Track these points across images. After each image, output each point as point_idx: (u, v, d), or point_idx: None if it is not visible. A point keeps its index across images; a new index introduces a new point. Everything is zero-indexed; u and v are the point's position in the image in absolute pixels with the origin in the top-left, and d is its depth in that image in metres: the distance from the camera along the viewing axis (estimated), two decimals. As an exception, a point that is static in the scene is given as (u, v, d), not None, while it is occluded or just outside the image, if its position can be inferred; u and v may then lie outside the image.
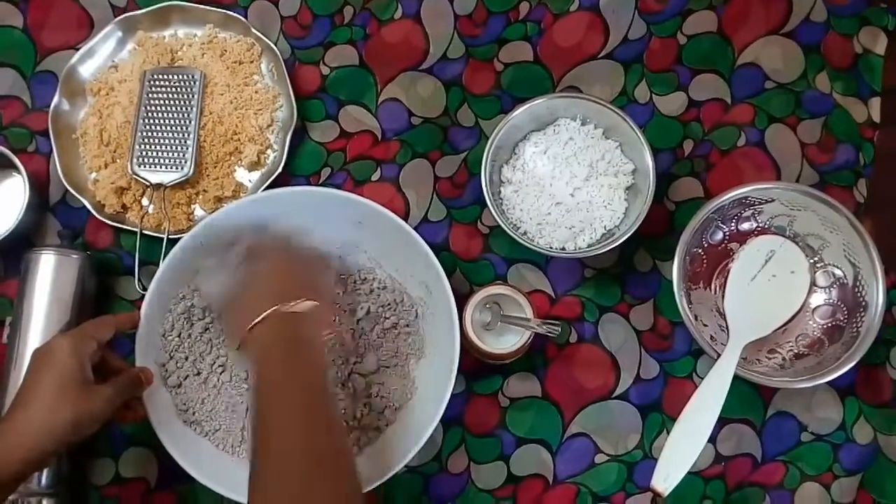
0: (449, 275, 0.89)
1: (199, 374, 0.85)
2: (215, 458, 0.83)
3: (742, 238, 0.89)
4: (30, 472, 0.69)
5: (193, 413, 0.84)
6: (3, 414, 0.77)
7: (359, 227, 0.86)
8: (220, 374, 0.85)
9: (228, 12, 0.95)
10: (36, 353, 0.73)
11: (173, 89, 0.92)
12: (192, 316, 0.85)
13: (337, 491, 0.63)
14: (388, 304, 0.88)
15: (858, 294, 0.85)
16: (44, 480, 0.82)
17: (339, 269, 0.88)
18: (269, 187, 0.91)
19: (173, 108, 0.91)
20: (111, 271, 0.92)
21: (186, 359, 0.85)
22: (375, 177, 0.94)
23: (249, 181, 0.93)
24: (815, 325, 0.87)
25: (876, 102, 0.95)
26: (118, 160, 0.92)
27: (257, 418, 0.67)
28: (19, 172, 0.89)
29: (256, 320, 0.71)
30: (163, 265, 0.83)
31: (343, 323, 0.87)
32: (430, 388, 0.84)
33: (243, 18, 0.94)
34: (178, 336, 0.85)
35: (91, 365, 0.73)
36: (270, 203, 0.85)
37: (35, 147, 0.94)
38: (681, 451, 0.79)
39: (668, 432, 0.82)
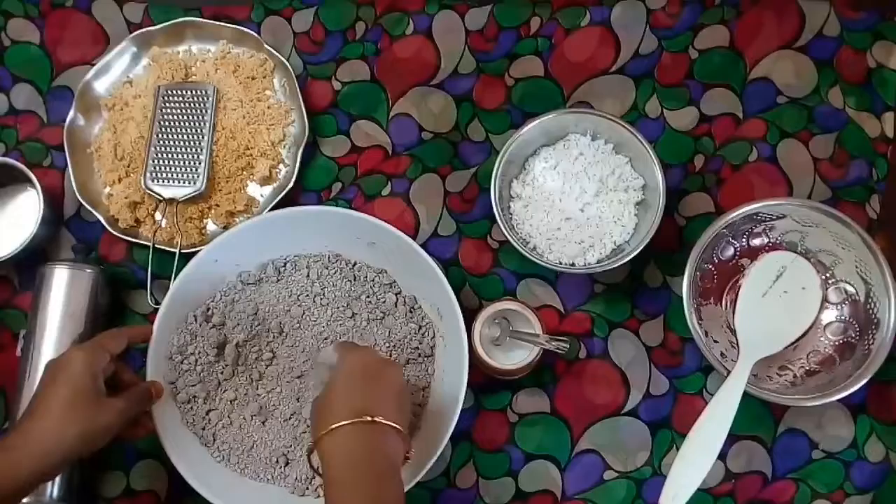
0: (458, 290, 0.90)
1: (207, 394, 0.85)
2: (223, 475, 0.84)
3: (753, 254, 0.89)
4: (39, 483, 0.70)
5: (203, 429, 0.85)
6: (15, 424, 0.77)
7: (372, 248, 0.87)
8: (228, 392, 0.86)
9: (242, 28, 0.95)
10: (50, 364, 0.74)
11: (187, 104, 0.93)
12: (202, 338, 0.86)
13: None
14: (412, 333, 0.88)
15: (870, 311, 0.84)
16: (55, 492, 0.83)
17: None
18: (280, 202, 0.91)
19: (186, 123, 0.92)
20: (124, 285, 0.93)
21: (195, 377, 0.85)
22: (386, 192, 0.94)
23: (261, 196, 0.94)
24: (826, 342, 0.87)
25: (889, 117, 0.94)
26: (132, 175, 0.93)
27: None
28: (34, 187, 0.90)
29: (338, 424, 0.67)
30: (176, 281, 0.84)
31: None
32: (440, 406, 0.85)
33: (256, 34, 0.95)
34: (188, 357, 0.85)
35: (104, 377, 0.74)
36: (283, 222, 0.86)
37: (50, 162, 0.96)
38: (690, 469, 0.78)
39: (677, 449, 0.82)
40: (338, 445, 0.67)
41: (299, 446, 0.85)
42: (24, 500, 0.80)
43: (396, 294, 0.89)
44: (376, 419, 0.68)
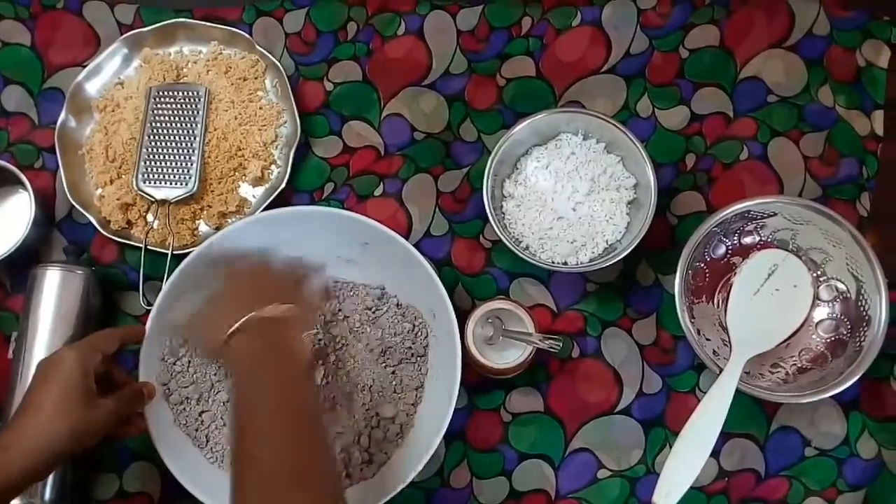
0: (451, 289, 0.90)
1: (200, 395, 0.85)
2: (216, 475, 0.84)
3: (745, 252, 0.89)
4: (31, 482, 0.70)
5: (196, 430, 0.85)
6: (7, 423, 0.77)
7: (365, 249, 0.87)
8: (221, 394, 0.86)
9: (233, 29, 0.96)
10: (42, 363, 0.74)
11: (178, 105, 0.93)
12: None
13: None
14: (405, 332, 0.88)
15: (861, 308, 0.84)
16: (48, 494, 0.83)
17: (324, 278, 0.88)
18: (272, 203, 0.91)
19: (178, 125, 0.92)
20: (116, 287, 0.93)
21: (188, 378, 0.85)
22: (378, 192, 0.95)
23: (253, 197, 0.94)
24: (818, 340, 0.87)
25: (879, 115, 0.95)
26: (123, 176, 0.93)
27: (236, 430, 0.67)
28: (26, 189, 0.90)
29: (231, 329, 0.71)
30: (167, 282, 0.83)
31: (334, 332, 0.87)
32: (433, 405, 0.85)
33: (248, 35, 0.95)
34: (181, 358, 0.85)
35: (95, 377, 0.74)
36: (275, 223, 0.86)
37: (42, 163, 0.95)
38: (683, 467, 0.78)
39: (670, 447, 0.82)
40: (235, 352, 0.71)
41: None
42: (16, 500, 0.80)
43: (389, 294, 0.89)
44: (259, 315, 0.71)
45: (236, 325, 0.71)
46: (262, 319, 0.72)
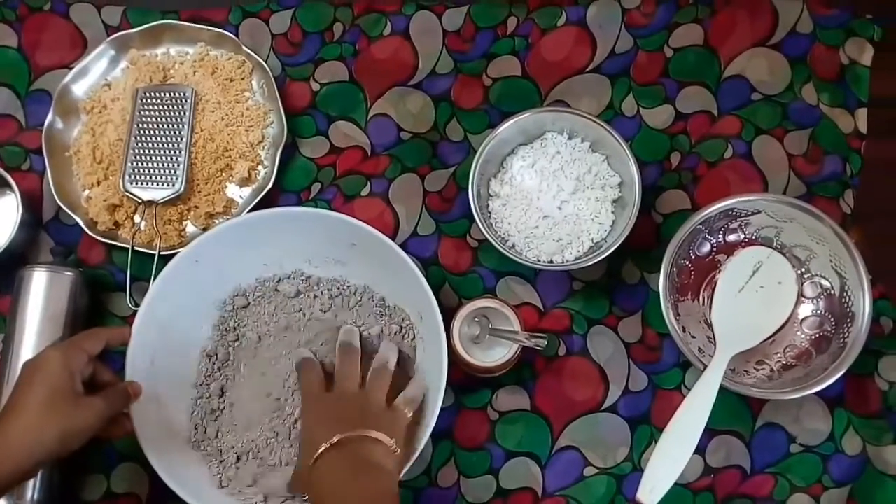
0: (438, 289, 0.90)
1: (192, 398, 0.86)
2: (203, 476, 0.84)
3: (729, 250, 0.89)
4: (16, 483, 0.70)
5: (186, 430, 0.85)
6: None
7: (352, 249, 0.87)
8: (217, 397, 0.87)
9: (220, 31, 0.96)
10: (27, 364, 0.74)
11: (165, 107, 0.93)
12: None
13: None
14: (392, 334, 0.88)
15: (845, 305, 0.85)
16: (35, 495, 0.83)
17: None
18: (259, 203, 0.91)
19: (165, 126, 0.92)
20: (103, 288, 0.93)
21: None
22: (365, 192, 0.95)
23: (240, 197, 0.94)
24: (802, 336, 0.88)
25: (863, 113, 0.95)
26: (111, 177, 0.93)
27: None
28: (12, 190, 0.90)
29: (318, 453, 0.72)
30: (154, 283, 0.83)
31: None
32: (420, 404, 0.85)
33: (234, 36, 0.95)
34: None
35: (81, 378, 0.74)
36: (262, 223, 0.86)
37: (29, 165, 0.95)
38: (667, 463, 0.78)
39: (656, 444, 0.82)
40: (324, 473, 0.72)
41: (281, 449, 0.85)
42: (2, 501, 0.80)
43: (377, 295, 0.89)
44: (353, 434, 0.72)
45: (322, 448, 0.72)
46: (343, 445, 0.73)
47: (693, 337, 0.87)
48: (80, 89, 0.96)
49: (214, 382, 0.87)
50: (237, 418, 0.86)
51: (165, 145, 0.92)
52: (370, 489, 0.70)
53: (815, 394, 0.82)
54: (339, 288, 0.89)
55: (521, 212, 0.89)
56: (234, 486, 0.83)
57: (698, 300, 0.90)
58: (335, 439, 0.73)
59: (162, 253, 0.90)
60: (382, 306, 0.89)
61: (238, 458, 0.85)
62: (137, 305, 0.85)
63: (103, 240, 0.92)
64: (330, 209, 0.93)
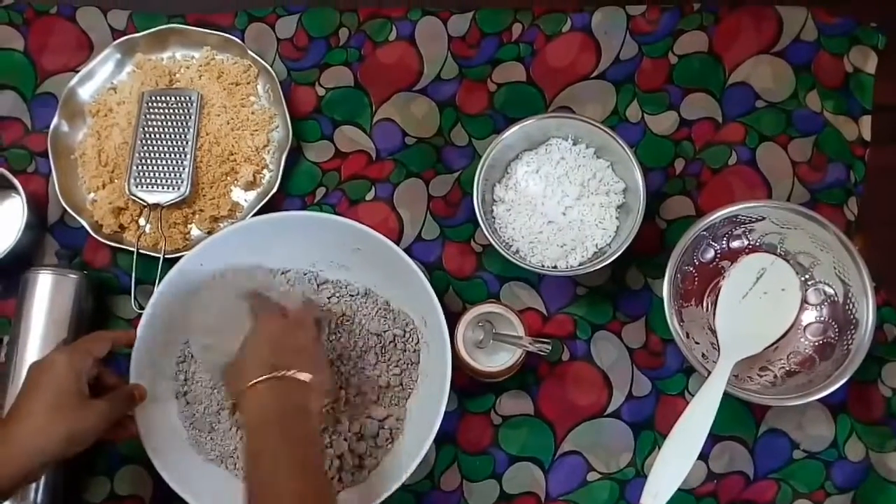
0: (442, 293, 0.90)
1: (195, 400, 0.86)
2: (207, 479, 0.84)
3: (733, 256, 0.90)
4: (22, 485, 0.70)
5: (192, 428, 0.85)
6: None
7: (357, 254, 0.87)
8: (220, 394, 0.87)
9: (226, 35, 0.96)
10: (33, 366, 0.74)
11: (171, 110, 0.93)
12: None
13: None
14: (396, 338, 0.88)
15: (849, 312, 0.85)
16: (39, 498, 0.83)
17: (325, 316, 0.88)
18: (264, 207, 0.92)
19: (170, 129, 0.93)
20: (108, 290, 0.93)
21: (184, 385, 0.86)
22: (370, 196, 0.95)
23: (245, 201, 0.94)
24: (806, 343, 0.88)
25: (867, 121, 0.96)
26: (116, 181, 0.93)
27: (248, 486, 0.69)
28: (18, 193, 0.90)
29: (251, 382, 0.73)
30: (159, 287, 0.84)
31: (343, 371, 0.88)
32: (423, 409, 0.85)
33: (240, 41, 0.96)
34: (179, 366, 0.87)
35: (87, 380, 0.74)
36: (267, 227, 0.86)
37: (34, 168, 0.96)
38: (671, 469, 0.79)
39: (660, 450, 0.82)
40: (252, 401, 0.72)
41: None
42: (7, 503, 0.80)
43: (381, 299, 0.89)
44: (285, 374, 0.73)
45: (255, 381, 0.72)
46: (283, 378, 0.73)
47: (697, 343, 0.87)
48: (85, 93, 0.96)
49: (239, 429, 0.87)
50: (231, 422, 0.86)
51: (171, 149, 0.92)
52: (294, 431, 0.71)
53: (819, 400, 0.82)
54: (342, 292, 0.90)
55: (525, 217, 0.89)
56: (239, 486, 0.84)
57: (702, 306, 0.90)
58: (265, 377, 0.73)
59: (167, 256, 0.90)
60: (387, 310, 0.89)
61: (237, 460, 0.85)
62: (142, 308, 0.85)
63: (108, 243, 0.92)
64: (334, 213, 0.93)
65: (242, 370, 0.75)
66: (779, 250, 0.89)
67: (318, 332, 0.84)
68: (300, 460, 0.69)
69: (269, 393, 0.72)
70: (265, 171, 0.95)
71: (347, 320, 0.88)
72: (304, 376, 0.74)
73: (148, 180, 0.91)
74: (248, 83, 0.96)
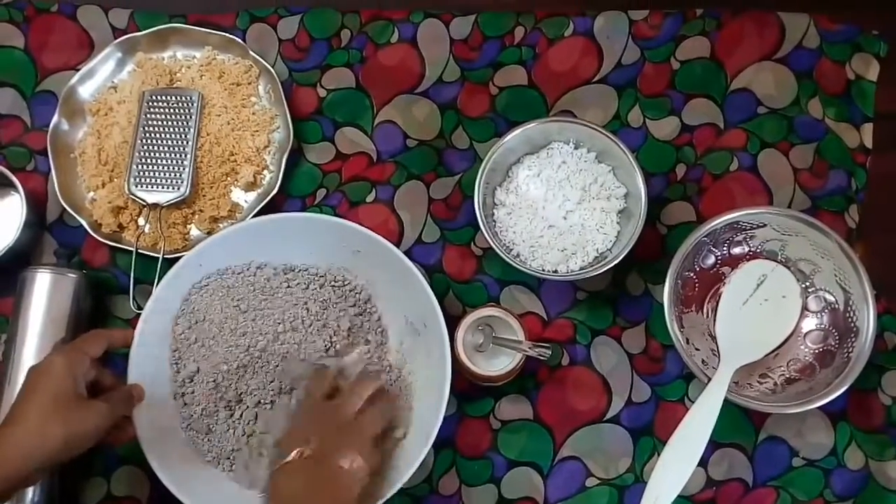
0: (442, 296, 0.90)
1: (193, 401, 0.86)
2: (204, 481, 0.83)
3: (734, 262, 0.90)
4: (20, 488, 0.70)
5: (190, 429, 0.85)
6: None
7: (356, 256, 0.87)
8: (221, 396, 0.86)
9: (227, 35, 0.96)
10: (31, 370, 0.74)
11: (171, 110, 0.93)
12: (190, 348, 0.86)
13: None
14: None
15: (849, 319, 0.85)
16: (35, 499, 0.82)
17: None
18: (264, 208, 0.91)
19: (171, 129, 0.92)
20: (107, 290, 0.92)
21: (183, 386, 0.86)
22: (370, 198, 0.95)
23: (245, 201, 0.94)
24: (806, 350, 0.88)
25: (868, 128, 0.95)
26: (115, 180, 0.93)
27: None
28: (17, 191, 0.90)
29: (284, 461, 0.74)
30: (158, 287, 0.83)
31: None
32: (422, 413, 0.85)
33: (241, 41, 0.95)
34: (178, 366, 0.86)
35: (85, 381, 0.74)
36: (267, 228, 0.86)
37: (34, 166, 0.95)
38: (671, 476, 0.78)
39: (659, 456, 0.82)
40: (282, 482, 0.73)
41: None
42: (4, 504, 0.80)
43: (380, 302, 0.89)
44: (324, 460, 0.73)
45: (288, 458, 0.73)
46: (317, 462, 0.74)
47: (697, 349, 0.87)
48: (86, 91, 0.95)
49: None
50: (232, 424, 0.86)
51: (171, 149, 0.92)
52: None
53: (818, 408, 0.82)
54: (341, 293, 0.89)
55: (526, 221, 0.89)
56: (235, 488, 0.83)
57: (702, 312, 0.90)
58: (301, 453, 0.74)
59: (166, 256, 0.90)
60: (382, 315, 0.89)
61: (233, 462, 0.85)
62: (141, 308, 0.85)
63: (107, 242, 0.92)
64: (335, 215, 0.93)
65: (284, 445, 0.76)
66: (780, 257, 0.89)
67: (370, 410, 0.82)
68: None
69: (301, 477, 0.73)
70: (265, 171, 0.95)
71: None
72: (346, 462, 0.74)
73: (148, 180, 0.91)
74: (250, 83, 0.96)
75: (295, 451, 0.74)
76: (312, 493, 0.72)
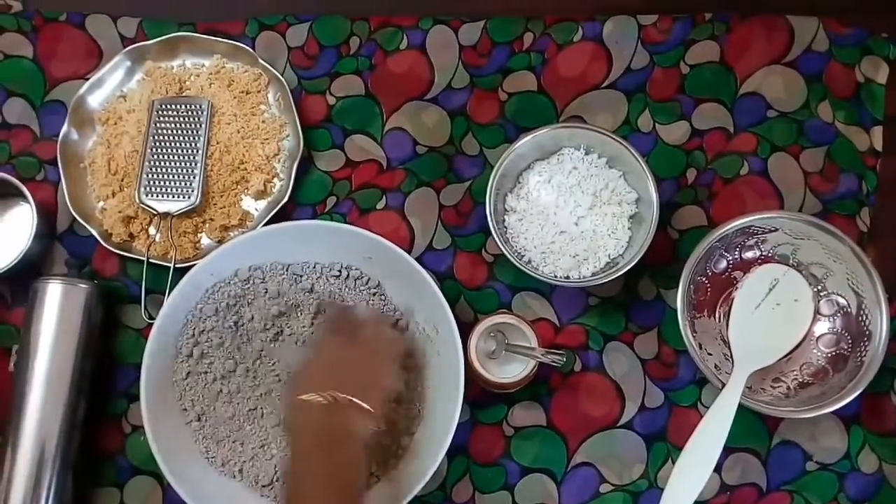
0: (453, 303, 0.90)
1: (214, 409, 0.86)
2: (220, 494, 0.83)
3: (746, 267, 0.89)
4: None
5: (205, 440, 0.85)
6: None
7: (368, 263, 0.87)
8: (236, 405, 0.86)
9: (236, 43, 0.96)
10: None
11: (181, 119, 0.93)
12: (203, 356, 0.86)
13: None
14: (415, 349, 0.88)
15: (862, 323, 0.85)
16: (49, 510, 0.82)
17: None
18: (275, 216, 0.91)
19: (181, 138, 0.92)
20: (118, 300, 0.92)
21: (196, 396, 0.86)
22: (381, 205, 0.95)
23: (256, 210, 0.94)
24: (819, 354, 0.87)
25: (878, 131, 0.95)
26: (126, 189, 0.93)
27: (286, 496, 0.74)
28: (27, 201, 0.89)
29: (302, 397, 0.74)
30: (170, 296, 0.83)
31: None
32: (436, 420, 0.85)
33: (251, 49, 0.95)
34: (191, 375, 0.86)
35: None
36: (278, 236, 0.86)
37: (44, 176, 0.95)
38: (687, 482, 0.78)
39: (673, 461, 0.82)
40: (300, 417, 0.75)
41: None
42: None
43: (393, 307, 0.89)
44: (339, 398, 0.74)
45: (306, 396, 0.74)
46: (333, 404, 0.74)
47: (710, 354, 0.87)
48: (95, 100, 0.95)
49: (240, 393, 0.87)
50: (246, 433, 0.86)
51: (181, 157, 0.92)
52: (336, 456, 0.73)
53: (832, 412, 0.82)
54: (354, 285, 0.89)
55: (537, 227, 0.89)
56: (250, 498, 0.83)
57: (715, 317, 0.90)
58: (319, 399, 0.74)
59: (177, 265, 0.90)
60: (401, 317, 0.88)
61: (246, 472, 0.85)
62: (152, 318, 0.85)
63: (118, 252, 0.91)
64: (345, 223, 0.93)
65: (297, 384, 0.76)
66: (791, 261, 0.89)
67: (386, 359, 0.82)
68: (339, 485, 0.70)
69: (318, 410, 0.73)
70: (276, 180, 0.95)
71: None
72: (359, 401, 0.74)
73: (158, 189, 0.91)
74: (259, 92, 0.96)
75: (311, 394, 0.75)
76: (328, 426, 0.74)
